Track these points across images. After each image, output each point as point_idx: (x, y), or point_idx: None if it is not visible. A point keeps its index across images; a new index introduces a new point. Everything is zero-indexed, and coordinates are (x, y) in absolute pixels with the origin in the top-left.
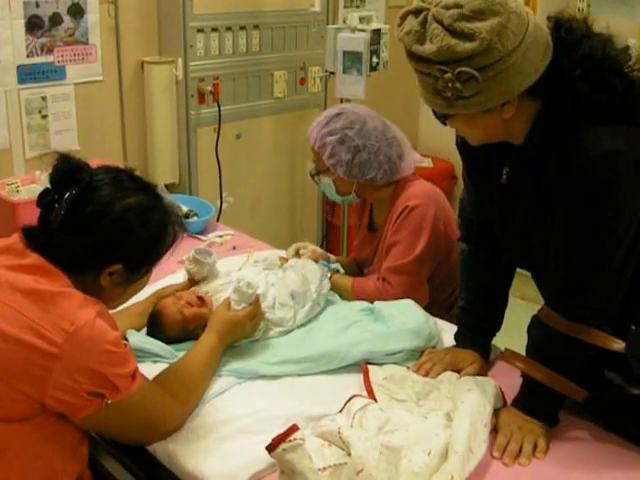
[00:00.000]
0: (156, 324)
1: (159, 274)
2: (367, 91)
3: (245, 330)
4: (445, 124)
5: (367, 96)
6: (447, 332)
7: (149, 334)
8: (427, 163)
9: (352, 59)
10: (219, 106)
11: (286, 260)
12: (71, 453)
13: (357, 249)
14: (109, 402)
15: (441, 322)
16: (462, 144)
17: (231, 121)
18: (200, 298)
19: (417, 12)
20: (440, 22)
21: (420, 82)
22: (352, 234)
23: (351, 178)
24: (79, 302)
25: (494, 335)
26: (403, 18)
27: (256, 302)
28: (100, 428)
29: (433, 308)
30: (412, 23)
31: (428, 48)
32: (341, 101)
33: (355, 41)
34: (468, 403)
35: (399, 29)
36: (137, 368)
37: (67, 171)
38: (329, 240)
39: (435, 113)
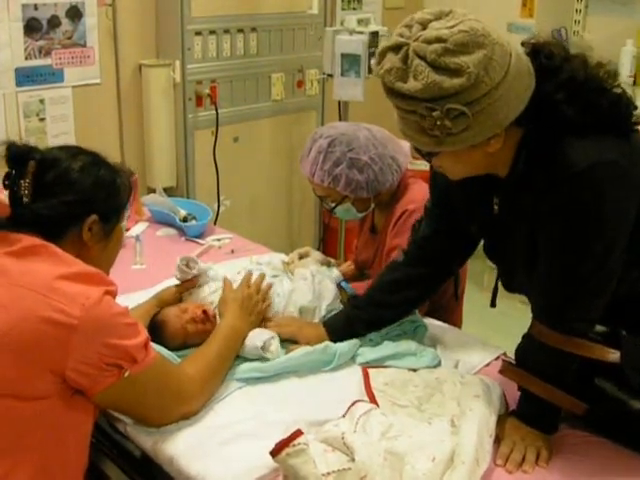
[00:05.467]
0: (158, 335)
1: (158, 277)
2: (365, 93)
3: (252, 300)
4: (429, 162)
5: (365, 99)
6: (447, 334)
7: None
8: (424, 165)
9: (350, 61)
10: (216, 109)
11: (288, 265)
12: (83, 443)
13: (358, 251)
14: (126, 374)
15: (439, 324)
16: (442, 191)
17: (228, 124)
18: (205, 313)
19: (397, 48)
20: (423, 58)
21: (402, 120)
22: (349, 237)
23: (372, 193)
24: (87, 281)
25: (368, 330)
26: (382, 55)
27: (247, 280)
28: (117, 403)
29: (432, 311)
30: (392, 60)
31: (413, 86)
32: (339, 104)
33: (353, 43)
34: (476, 411)
35: (379, 67)
36: (148, 338)
37: (20, 151)
38: (326, 242)
39: (418, 150)
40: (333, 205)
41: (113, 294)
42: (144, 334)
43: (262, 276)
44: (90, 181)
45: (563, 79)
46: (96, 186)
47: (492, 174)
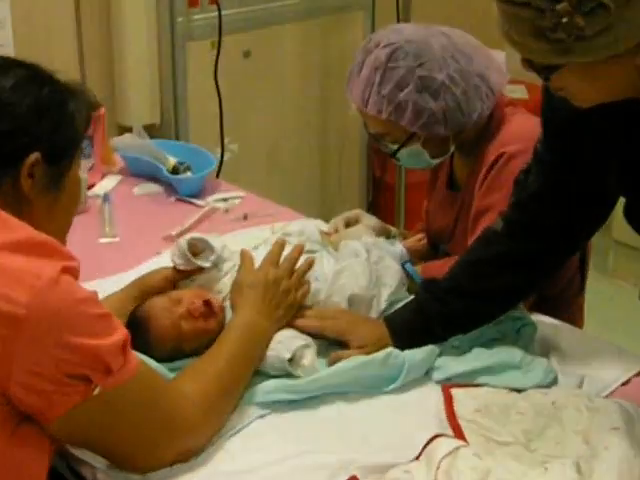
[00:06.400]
0: (139, 338)
1: (136, 255)
2: None
3: (280, 286)
4: (547, 80)
5: None
6: (566, 338)
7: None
8: (520, 93)
9: None
10: (219, 9)
11: (330, 235)
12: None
13: (430, 217)
14: (96, 391)
15: (554, 323)
16: (561, 126)
17: (236, 32)
18: (208, 304)
19: None
20: None
21: (508, 18)
22: (413, 196)
23: (453, 128)
24: (38, 253)
25: (450, 331)
26: None
27: (274, 255)
28: (82, 435)
29: (543, 305)
30: None
31: None
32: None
33: None
34: (614, 450)
35: None
36: (128, 338)
37: None
38: (377, 205)
39: (530, 65)
40: (395, 148)
41: (74, 272)
42: (122, 332)
43: (299, 249)
44: (28, 103)
45: None
46: (37, 111)
47: (638, 100)
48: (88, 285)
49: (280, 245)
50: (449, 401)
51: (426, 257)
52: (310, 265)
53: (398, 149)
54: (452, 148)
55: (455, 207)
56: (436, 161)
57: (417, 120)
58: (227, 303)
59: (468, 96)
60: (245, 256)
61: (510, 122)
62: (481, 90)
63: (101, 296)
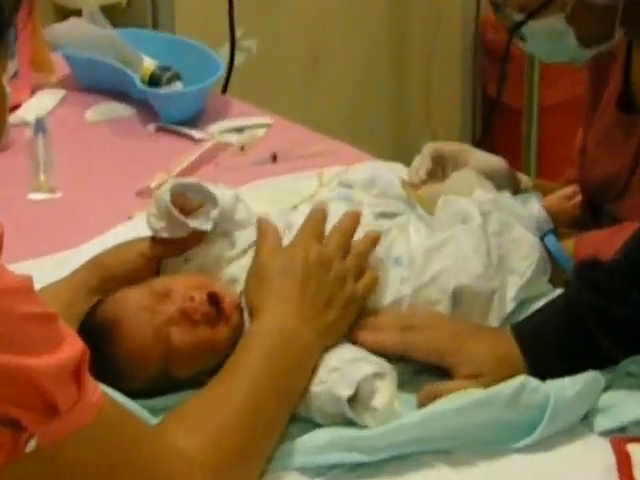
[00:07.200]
0: (101, 354)
1: (99, 220)
2: None
3: (329, 271)
4: None
5: None
6: None
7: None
8: None
9: None
10: None
11: (417, 188)
12: None
13: (589, 157)
14: (32, 445)
15: None
16: None
17: None
18: (214, 300)
19: None
20: None
21: None
22: (554, 126)
23: None
24: None
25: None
26: None
27: (314, 223)
28: None
29: None
30: None
31: None
32: None
33: None
34: None
35: None
36: (85, 356)
37: None
38: (491, 140)
39: None
40: (522, 16)
41: None
42: (74, 345)
43: (355, 216)
44: None
45: None
46: None
47: None
48: (15, 268)
49: (319, 211)
50: (625, 464)
51: (581, 225)
52: (376, 239)
53: (524, 20)
54: (618, 33)
55: (633, 141)
56: (588, 52)
57: None
58: (244, 298)
59: None
60: (265, 226)
61: None
62: None
63: (37, 286)
